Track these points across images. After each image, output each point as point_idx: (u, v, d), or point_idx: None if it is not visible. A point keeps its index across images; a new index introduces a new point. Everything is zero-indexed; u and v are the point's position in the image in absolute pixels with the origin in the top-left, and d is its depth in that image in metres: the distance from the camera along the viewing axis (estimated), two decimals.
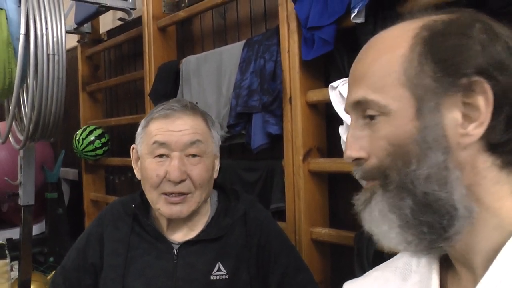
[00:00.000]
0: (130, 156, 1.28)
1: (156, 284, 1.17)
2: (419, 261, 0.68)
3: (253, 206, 1.27)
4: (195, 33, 2.34)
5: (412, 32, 0.58)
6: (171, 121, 1.17)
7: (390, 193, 0.57)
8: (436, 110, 0.55)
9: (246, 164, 1.89)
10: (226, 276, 1.17)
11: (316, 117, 1.63)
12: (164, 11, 2.35)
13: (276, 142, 1.69)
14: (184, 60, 2.14)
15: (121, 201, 1.32)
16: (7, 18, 1.65)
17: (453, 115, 0.55)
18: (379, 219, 0.58)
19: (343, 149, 1.46)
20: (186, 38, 2.39)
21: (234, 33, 2.09)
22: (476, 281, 0.56)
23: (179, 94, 2.12)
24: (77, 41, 3.13)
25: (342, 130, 1.44)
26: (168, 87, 2.17)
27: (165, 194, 1.16)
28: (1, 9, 1.64)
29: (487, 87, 0.53)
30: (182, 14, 2.19)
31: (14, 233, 2.89)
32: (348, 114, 0.64)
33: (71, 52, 3.23)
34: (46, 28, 1.64)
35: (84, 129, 2.85)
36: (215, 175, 1.25)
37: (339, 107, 1.40)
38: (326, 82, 1.61)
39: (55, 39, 1.65)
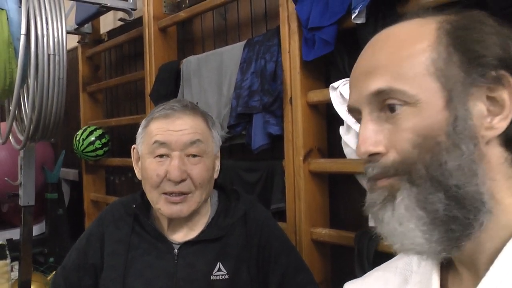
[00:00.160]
0: (130, 157, 1.28)
1: (156, 284, 1.17)
2: (420, 261, 0.68)
3: (253, 206, 1.27)
4: (196, 33, 2.34)
5: (434, 25, 0.58)
6: (172, 121, 1.17)
7: (419, 188, 0.54)
8: (465, 101, 0.54)
9: (247, 165, 1.89)
10: (227, 276, 1.17)
11: (316, 118, 1.63)
12: (165, 11, 2.35)
13: (276, 142, 1.69)
14: (184, 60, 2.14)
15: (121, 201, 1.32)
16: (8, 19, 1.65)
17: (479, 107, 0.55)
18: (405, 217, 0.55)
19: (344, 149, 1.47)
20: (186, 39, 2.40)
21: (235, 34, 2.09)
22: (477, 281, 0.55)
23: (180, 94, 2.12)
24: (77, 42, 3.13)
25: (342, 131, 1.44)
26: (169, 87, 2.17)
27: (165, 193, 1.16)
28: (2, 9, 1.64)
29: None
30: (182, 14, 2.19)
31: (14, 234, 2.89)
32: (351, 113, 0.63)
33: (71, 52, 3.23)
34: (47, 29, 1.64)
35: (85, 130, 2.85)
36: (215, 175, 1.25)
37: (339, 107, 1.40)
38: (326, 82, 1.61)
39: (55, 39, 1.65)
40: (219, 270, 1.17)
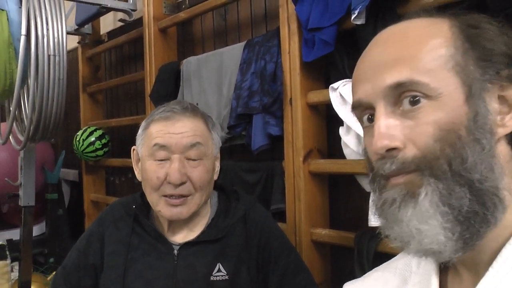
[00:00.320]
0: (130, 157, 1.28)
1: (156, 285, 1.17)
2: (419, 262, 0.68)
3: (253, 207, 1.27)
4: (196, 34, 2.34)
5: (447, 23, 0.58)
6: (171, 124, 1.17)
7: (443, 183, 0.53)
8: (482, 97, 0.55)
9: (247, 165, 1.89)
10: (226, 277, 1.17)
11: (316, 118, 1.63)
12: (165, 12, 2.35)
13: (276, 143, 1.70)
14: (184, 61, 2.14)
15: (121, 202, 1.32)
16: (8, 19, 1.65)
17: (493, 104, 0.55)
18: (428, 214, 0.53)
19: (344, 150, 1.47)
20: (186, 39, 2.40)
21: (235, 34, 2.09)
22: (477, 281, 0.56)
23: (180, 95, 2.12)
24: (77, 42, 3.13)
25: (342, 132, 1.44)
26: (169, 88, 2.17)
27: (165, 196, 1.16)
28: (2, 10, 1.65)
29: None
30: (182, 15, 2.20)
31: (15, 234, 2.90)
32: (356, 109, 0.61)
33: (71, 53, 3.23)
34: (47, 29, 1.64)
35: (85, 130, 2.85)
36: (215, 177, 1.25)
37: (339, 108, 1.41)
38: (326, 83, 1.61)
39: (56, 40, 1.66)
40: (219, 270, 1.17)
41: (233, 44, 1.94)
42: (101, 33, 3.13)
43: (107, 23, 3.08)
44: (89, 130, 2.84)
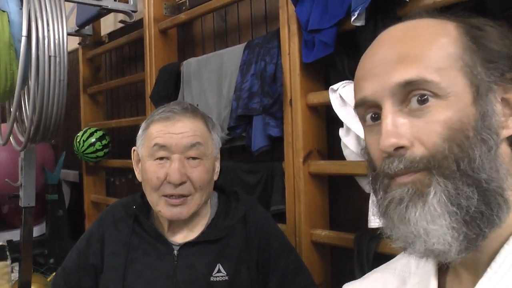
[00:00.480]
0: (130, 158, 1.28)
1: (156, 285, 1.17)
2: (418, 263, 0.68)
3: (253, 207, 1.27)
4: (196, 35, 2.34)
5: (453, 24, 0.58)
6: (172, 124, 1.18)
7: (451, 183, 0.52)
8: (489, 98, 0.55)
9: (247, 166, 1.89)
10: (226, 278, 1.17)
11: (316, 120, 1.63)
12: (165, 13, 2.36)
13: (276, 144, 1.70)
14: (185, 62, 2.14)
15: (122, 202, 1.33)
16: (9, 20, 1.65)
17: (497, 106, 0.55)
18: (437, 213, 0.52)
19: (343, 151, 1.47)
20: (187, 41, 2.40)
21: (235, 36, 2.09)
22: (476, 281, 0.56)
23: (180, 96, 2.13)
24: (78, 43, 3.13)
25: (342, 133, 1.44)
26: (169, 89, 2.17)
27: (165, 196, 1.16)
28: (3, 11, 1.65)
29: None
30: (183, 16, 2.20)
31: (15, 235, 2.90)
32: (360, 107, 0.61)
33: (72, 54, 3.24)
34: (48, 30, 1.64)
35: (85, 131, 2.85)
36: (215, 177, 1.25)
37: (339, 109, 1.41)
38: (326, 84, 1.61)
39: (56, 41, 1.66)
40: (219, 271, 1.18)
41: (233, 45, 1.94)
42: (102, 34, 3.13)
43: (108, 24, 3.08)
44: (89, 131, 2.84)
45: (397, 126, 0.55)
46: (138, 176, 1.25)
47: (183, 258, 1.19)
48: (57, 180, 3.15)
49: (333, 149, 1.63)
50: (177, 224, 1.22)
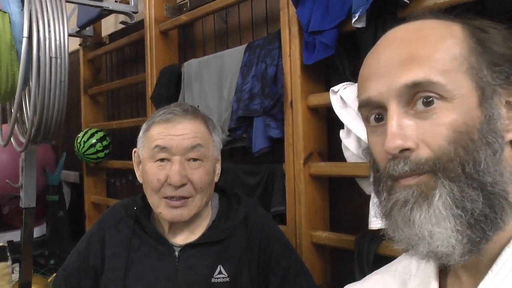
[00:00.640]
0: (131, 159, 1.28)
1: (157, 286, 1.17)
2: (419, 265, 0.68)
3: (254, 209, 1.27)
4: (197, 37, 2.34)
5: (459, 26, 0.58)
6: (172, 126, 1.18)
7: (456, 186, 0.52)
8: (494, 101, 0.55)
9: (247, 168, 1.89)
10: (227, 279, 1.17)
11: (317, 121, 1.63)
12: (166, 15, 2.36)
13: (277, 145, 1.70)
14: (185, 63, 2.14)
15: (122, 203, 1.33)
16: (10, 21, 1.66)
17: (502, 109, 0.55)
18: (442, 216, 0.52)
19: (344, 153, 1.47)
20: (187, 42, 2.40)
21: (236, 37, 2.09)
22: (477, 284, 0.56)
23: (181, 97, 2.13)
24: (79, 44, 3.14)
25: (343, 134, 1.45)
26: (170, 90, 2.17)
27: (166, 198, 1.17)
28: (5, 12, 1.65)
29: None
30: (184, 18, 2.20)
31: (15, 236, 2.90)
32: (364, 107, 0.60)
33: (73, 55, 3.24)
34: (49, 31, 1.65)
35: (86, 132, 2.86)
36: (216, 179, 1.26)
37: (340, 111, 1.41)
38: (327, 86, 1.62)
39: (57, 42, 1.66)
40: (220, 273, 1.18)
41: (234, 46, 1.94)
42: (103, 35, 3.13)
43: (109, 25, 3.09)
44: (90, 132, 2.84)
45: (403, 127, 0.55)
46: (139, 178, 1.25)
47: (184, 260, 1.19)
48: (58, 181, 3.15)
49: (334, 151, 1.63)
50: (178, 225, 1.22)
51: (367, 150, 0.63)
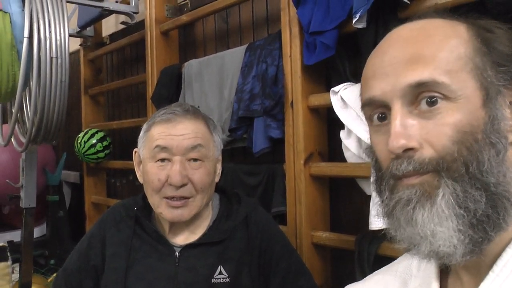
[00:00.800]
0: (131, 159, 1.28)
1: (157, 286, 1.17)
2: (419, 265, 0.68)
3: (254, 209, 1.27)
4: (198, 37, 2.34)
5: (464, 26, 0.57)
6: (173, 126, 1.18)
7: (460, 186, 0.52)
8: (498, 101, 0.55)
9: (248, 168, 1.89)
10: (228, 280, 1.17)
11: (317, 122, 1.64)
12: (167, 15, 2.36)
13: (277, 146, 1.70)
14: (186, 64, 2.15)
15: (123, 203, 1.33)
16: (11, 22, 1.66)
17: (506, 110, 0.55)
18: (444, 215, 0.52)
19: (345, 153, 1.47)
20: (188, 42, 2.40)
21: (236, 38, 2.09)
22: (478, 285, 0.56)
23: (181, 98, 2.13)
24: (79, 45, 3.14)
25: (343, 135, 1.45)
26: (170, 91, 2.17)
27: (166, 198, 1.17)
28: (5, 12, 1.65)
29: None
30: (184, 18, 2.20)
31: (15, 236, 2.90)
32: (367, 106, 0.60)
33: (73, 55, 3.24)
34: (50, 32, 1.65)
35: (86, 132, 2.86)
36: (217, 179, 1.26)
37: (340, 111, 1.41)
38: (327, 86, 1.62)
39: (58, 42, 1.66)
40: (220, 273, 1.18)
41: (235, 47, 1.94)
42: (103, 35, 3.14)
43: (109, 25, 3.09)
44: (90, 132, 2.84)
45: (407, 127, 0.55)
46: (140, 178, 1.25)
47: (185, 260, 1.19)
48: (58, 181, 3.16)
49: (334, 151, 1.63)
50: (178, 226, 1.22)
51: (370, 149, 0.62)
